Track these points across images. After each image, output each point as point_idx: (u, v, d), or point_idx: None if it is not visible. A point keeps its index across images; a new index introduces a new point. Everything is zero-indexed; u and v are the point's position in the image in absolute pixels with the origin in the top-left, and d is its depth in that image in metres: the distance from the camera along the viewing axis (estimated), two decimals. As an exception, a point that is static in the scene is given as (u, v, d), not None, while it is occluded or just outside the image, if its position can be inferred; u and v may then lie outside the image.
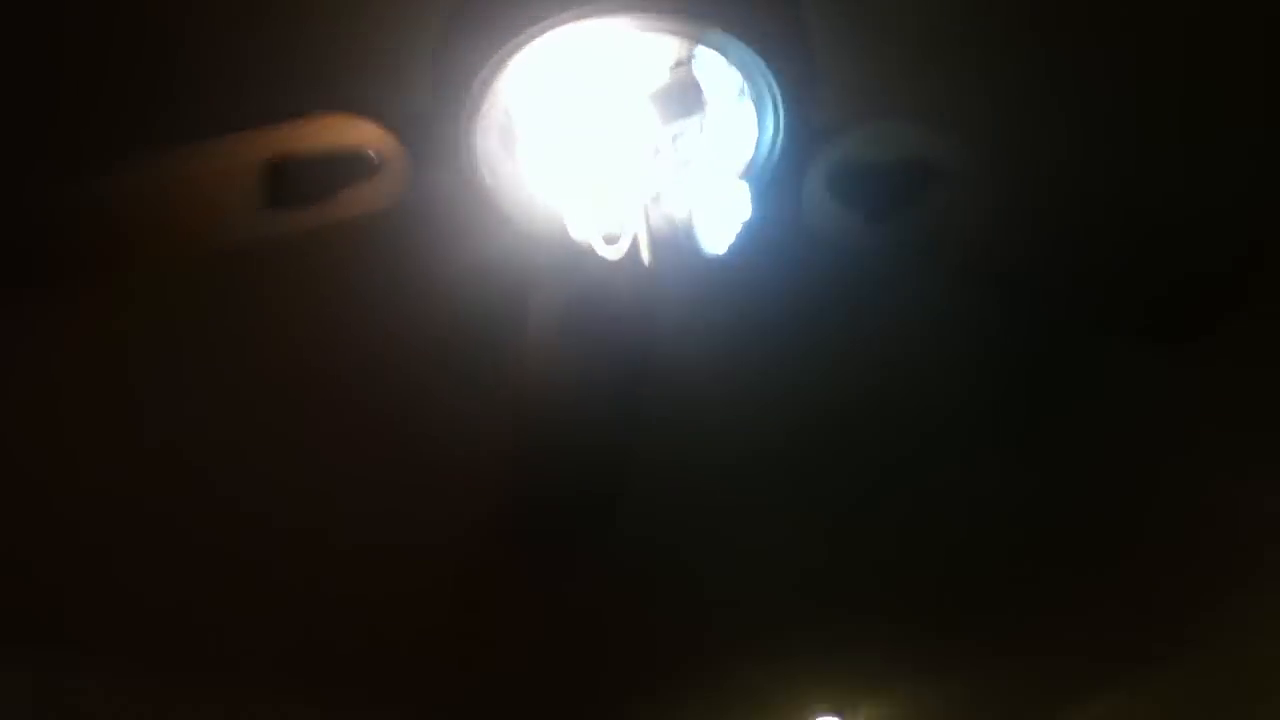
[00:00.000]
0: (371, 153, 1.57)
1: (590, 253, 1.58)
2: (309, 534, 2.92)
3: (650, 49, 1.48)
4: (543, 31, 1.43)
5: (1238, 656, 3.65)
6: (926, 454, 2.82)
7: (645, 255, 1.59)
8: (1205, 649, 3.66)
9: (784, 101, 1.55)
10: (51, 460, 2.65)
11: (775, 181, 1.62)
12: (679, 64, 1.50)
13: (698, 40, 1.46)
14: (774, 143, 1.59)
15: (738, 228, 1.56)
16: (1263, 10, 1.90)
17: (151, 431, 2.61)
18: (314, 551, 2.97)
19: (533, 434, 1.96)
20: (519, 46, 1.44)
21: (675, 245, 1.60)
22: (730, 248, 1.58)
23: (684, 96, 1.51)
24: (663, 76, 1.52)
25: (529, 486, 2.08)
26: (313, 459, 2.69)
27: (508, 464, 1.98)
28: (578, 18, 1.42)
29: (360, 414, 2.57)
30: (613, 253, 1.57)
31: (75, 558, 2.92)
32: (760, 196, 1.58)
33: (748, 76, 1.52)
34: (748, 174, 1.62)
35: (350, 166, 1.57)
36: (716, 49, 1.48)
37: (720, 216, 1.55)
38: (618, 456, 1.98)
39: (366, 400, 2.53)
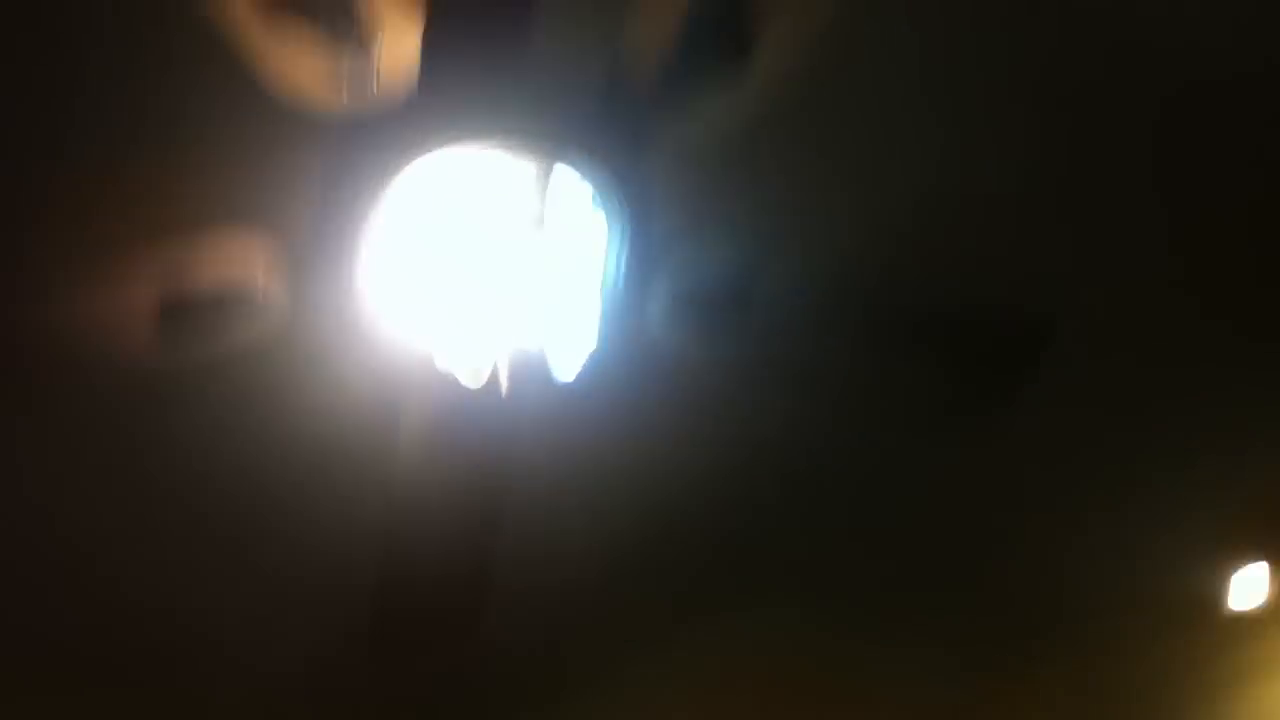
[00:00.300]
0: (257, 292, 1.71)
1: (454, 379, 1.75)
2: (190, 636, 2.96)
3: (509, 171, 1.66)
4: (404, 170, 1.60)
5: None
6: (768, 547, 3.01)
7: (503, 384, 1.76)
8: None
9: (627, 234, 1.75)
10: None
11: (620, 305, 1.81)
12: (536, 182, 1.68)
13: (549, 171, 1.66)
14: (619, 260, 1.78)
15: (586, 353, 1.75)
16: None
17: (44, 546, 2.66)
18: (194, 653, 3.00)
19: (399, 546, 2.09)
20: (385, 188, 1.61)
21: (530, 370, 1.78)
22: (580, 371, 1.76)
23: (540, 212, 1.70)
24: (521, 194, 1.70)
25: (394, 596, 2.19)
26: (198, 568, 2.78)
27: (376, 573, 2.09)
28: (439, 146, 1.60)
29: (241, 526, 2.67)
30: (473, 381, 1.74)
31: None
32: (606, 320, 1.78)
33: (598, 192, 1.71)
34: (597, 293, 1.80)
35: (237, 305, 1.72)
36: (563, 179, 1.67)
37: (570, 343, 1.74)
38: (479, 566, 2.12)
39: (247, 513, 2.63)
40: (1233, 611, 3.45)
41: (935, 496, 2.93)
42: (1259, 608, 3.39)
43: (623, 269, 1.77)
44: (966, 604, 3.33)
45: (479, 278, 1.70)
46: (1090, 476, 2.95)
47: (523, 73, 1.60)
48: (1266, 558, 3.29)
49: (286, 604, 2.92)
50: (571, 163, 1.64)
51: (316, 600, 2.90)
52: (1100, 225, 2.39)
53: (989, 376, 2.00)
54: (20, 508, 2.59)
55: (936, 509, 2.98)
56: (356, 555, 2.45)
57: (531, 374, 1.79)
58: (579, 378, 1.82)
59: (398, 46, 1.52)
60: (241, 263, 1.69)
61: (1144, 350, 2.64)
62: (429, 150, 1.58)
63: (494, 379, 1.76)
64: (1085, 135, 2.24)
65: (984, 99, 2.15)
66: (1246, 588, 3.37)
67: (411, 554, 2.06)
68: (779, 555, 3.04)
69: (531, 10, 1.46)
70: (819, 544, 3.02)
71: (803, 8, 1.56)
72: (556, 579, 2.95)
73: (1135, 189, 2.33)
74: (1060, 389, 2.58)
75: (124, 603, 2.87)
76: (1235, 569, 3.32)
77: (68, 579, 2.79)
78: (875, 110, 2.13)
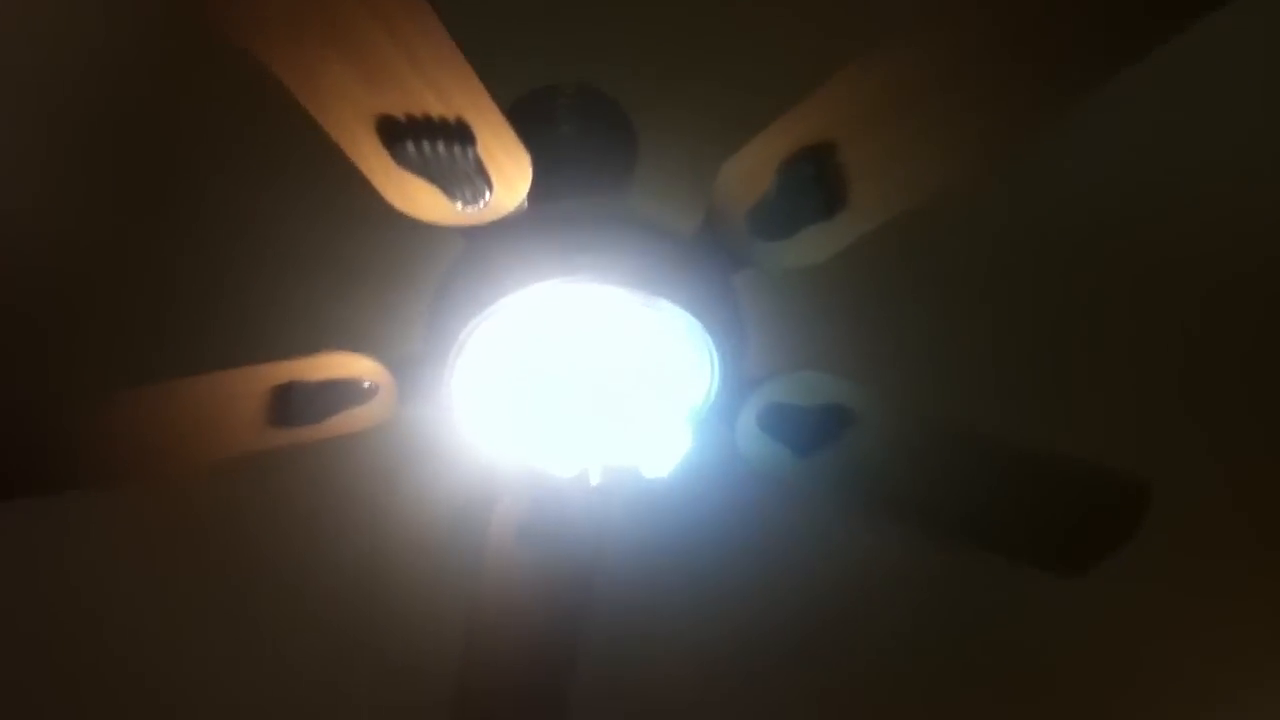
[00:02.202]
0: (366, 383, 1.82)
1: (547, 473, 1.83)
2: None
3: (609, 307, 1.75)
4: (512, 295, 1.70)
5: None
6: (840, 658, 3.03)
7: (594, 478, 1.83)
8: None
9: (718, 351, 1.80)
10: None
11: (713, 418, 1.87)
12: (633, 319, 1.76)
13: (647, 304, 1.73)
14: (712, 388, 1.84)
15: (679, 457, 1.80)
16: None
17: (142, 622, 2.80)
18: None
19: (480, 645, 2.17)
20: (494, 308, 1.70)
21: (624, 470, 1.84)
22: (671, 474, 1.82)
23: (636, 347, 1.77)
24: (619, 329, 1.78)
25: (479, 679, 2.26)
26: (290, 649, 2.90)
27: (462, 659, 2.17)
28: (541, 281, 1.69)
29: (336, 608, 2.79)
30: (567, 474, 1.81)
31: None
32: (700, 430, 1.84)
33: (691, 334, 1.78)
34: (690, 410, 1.87)
35: (347, 393, 1.83)
36: (658, 310, 1.74)
37: (664, 447, 1.79)
38: (560, 667, 2.19)
39: (343, 595, 2.74)
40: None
41: (1012, 621, 2.92)
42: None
43: (715, 392, 1.83)
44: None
45: (576, 389, 1.77)
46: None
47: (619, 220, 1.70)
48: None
49: (360, 699, 3.03)
50: (665, 299, 1.70)
51: (392, 696, 3.00)
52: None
53: (1076, 529, 2.00)
54: (108, 580, 2.75)
55: (1012, 633, 2.96)
56: (437, 652, 2.55)
57: (625, 470, 1.85)
58: (668, 482, 1.87)
59: (509, 185, 1.61)
60: (361, 359, 1.79)
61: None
62: (532, 283, 1.67)
63: (585, 474, 1.84)
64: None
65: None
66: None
67: (493, 653, 2.14)
68: (856, 668, 3.05)
69: None
70: (897, 658, 3.03)
71: (894, 175, 1.58)
72: (636, 680, 3.01)
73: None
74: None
75: (193, 679, 3.00)
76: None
77: (149, 655, 2.94)
78: (963, 257, 2.18)
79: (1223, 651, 3.00)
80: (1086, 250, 2.26)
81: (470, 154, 1.55)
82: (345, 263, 2.11)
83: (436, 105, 1.49)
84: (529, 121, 1.71)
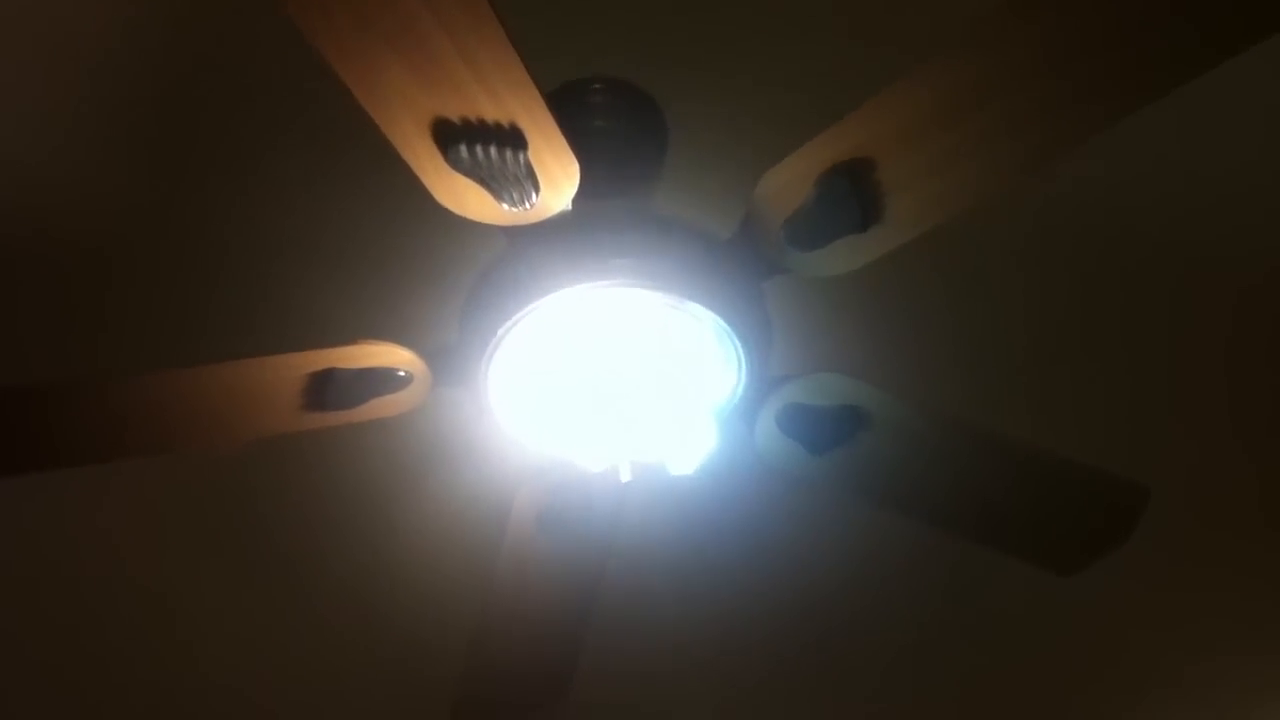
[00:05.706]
0: (402, 372, 1.87)
1: (575, 466, 1.88)
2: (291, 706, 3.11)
3: (644, 308, 1.80)
4: (551, 296, 1.75)
5: None
6: (850, 656, 3.09)
7: (625, 474, 1.88)
8: None
9: (745, 354, 1.86)
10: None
11: (735, 416, 1.92)
12: (666, 321, 1.81)
13: (681, 308, 1.78)
14: (737, 389, 1.89)
15: (703, 455, 1.85)
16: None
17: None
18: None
19: (498, 612, 2.22)
20: (532, 308, 1.75)
21: (647, 464, 1.89)
22: (693, 475, 1.87)
23: (666, 346, 1.82)
24: (647, 330, 1.83)
25: (487, 660, 2.31)
26: (306, 630, 2.96)
27: (473, 637, 2.23)
28: (579, 284, 1.74)
29: (355, 594, 2.85)
30: (595, 468, 1.86)
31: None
32: (722, 428, 1.89)
33: (716, 334, 1.83)
34: (713, 408, 1.92)
35: (382, 381, 1.87)
36: (690, 314, 1.80)
37: (689, 446, 1.84)
38: (572, 640, 2.24)
39: (363, 578, 2.79)
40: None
41: (1018, 622, 2.99)
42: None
43: (740, 392, 1.88)
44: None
45: (605, 386, 1.82)
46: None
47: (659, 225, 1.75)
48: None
49: (365, 681, 3.08)
50: (697, 302, 1.75)
51: (396, 682, 3.05)
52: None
53: (1076, 528, 2.07)
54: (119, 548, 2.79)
55: (1018, 633, 3.03)
56: (445, 641, 2.60)
57: (648, 465, 1.89)
58: (686, 477, 1.92)
59: (556, 190, 1.65)
60: (399, 350, 1.83)
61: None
62: (571, 286, 1.71)
63: (614, 469, 1.89)
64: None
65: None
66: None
67: (503, 635, 2.20)
68: (865, 661, 3.11)
69: None
70: (905, 650, 3.09)
71: (931, 192, 1.63)
72: (645, 671, 3.06)
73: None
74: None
75: (201, 658, 3.04)
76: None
77: (152, 634, 2.99)
78: (991, 268, 2.23)
79: (1223, 652, 3.07)
80: (1111, 256, 2.31)
81: (521, 159, 1.59)
82: (385, 253, 2.16)
83: (491, 110, 1.53)
84: (563, 114, 1.73)
